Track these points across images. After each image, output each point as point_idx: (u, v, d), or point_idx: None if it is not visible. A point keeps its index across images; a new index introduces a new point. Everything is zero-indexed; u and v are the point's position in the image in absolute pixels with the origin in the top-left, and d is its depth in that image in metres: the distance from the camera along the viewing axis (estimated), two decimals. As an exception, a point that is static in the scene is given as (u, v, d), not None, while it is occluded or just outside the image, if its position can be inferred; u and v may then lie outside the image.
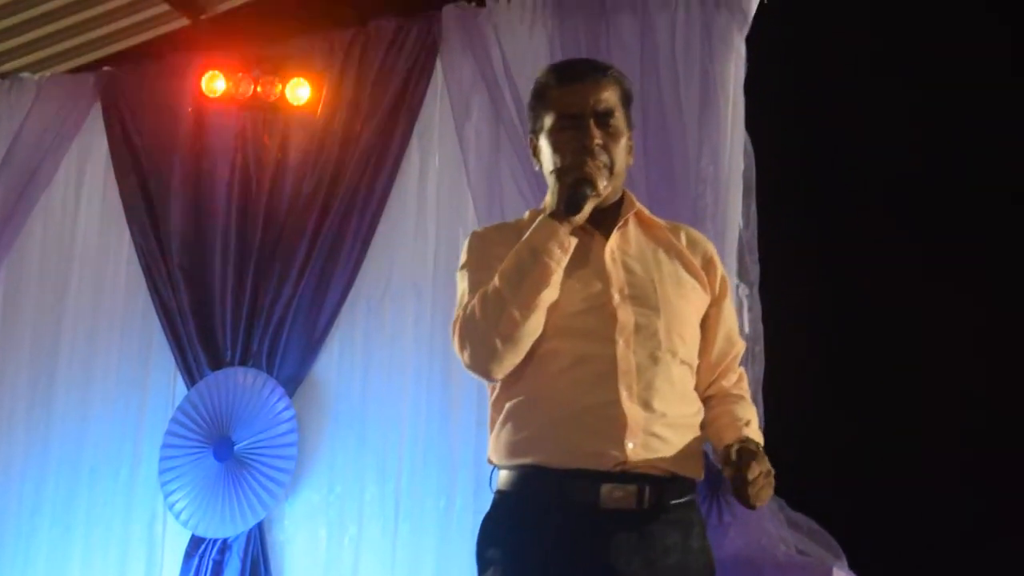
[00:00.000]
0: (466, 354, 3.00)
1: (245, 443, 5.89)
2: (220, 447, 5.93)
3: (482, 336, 2.95)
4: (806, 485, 4.99)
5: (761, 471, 2.78)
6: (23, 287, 6.61)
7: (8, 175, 6.57)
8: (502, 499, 3.04)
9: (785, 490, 4.77)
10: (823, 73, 5.49)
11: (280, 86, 6.15)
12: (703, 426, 3.09)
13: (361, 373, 5.90)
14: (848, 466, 5.13)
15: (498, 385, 3.08)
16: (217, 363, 6.07)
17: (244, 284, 6.09)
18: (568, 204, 2.89)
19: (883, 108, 5.44)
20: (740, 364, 3.31)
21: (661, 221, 3.24)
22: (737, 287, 5.16)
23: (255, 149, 6.27)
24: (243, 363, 6.01)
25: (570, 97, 3.07)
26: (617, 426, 2.89)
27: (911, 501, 5.07)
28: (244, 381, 5.96)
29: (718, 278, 3.18)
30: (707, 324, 3.14)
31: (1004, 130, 5.23)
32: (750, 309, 5.17)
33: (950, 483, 5.09)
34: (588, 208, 2.93)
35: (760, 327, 5.14)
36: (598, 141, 3.01)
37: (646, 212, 3.21)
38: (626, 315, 2.97)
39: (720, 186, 5.22)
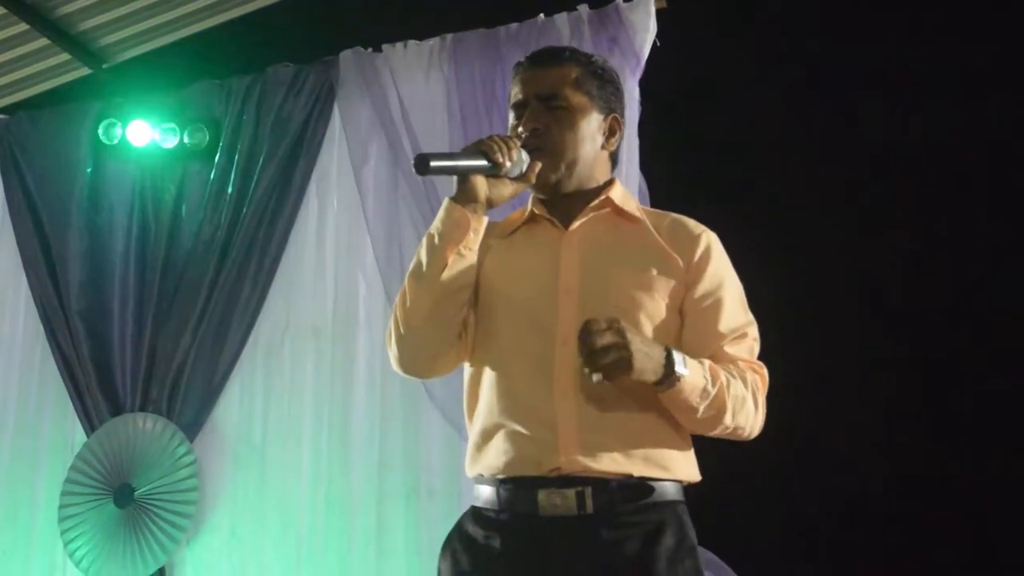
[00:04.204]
0: (390, 352, 2.97)
1: (145, 489, 5.85)
2: (120, 493, 5.89)
3: (397, 329, 2.90)
4: (708, 520, 5.05)
5: (602, 337, 2.56)
6: (-81, 336, 6.53)
7: (-98, 226, 6.51)
8: (465, 513, 2.95)
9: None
10: (717, 112, 5.57)
11: (178, 133, 6.16)
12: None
13: (261, 416, 5.89)
14: (750, 499, 5.17)
15: (465, 390, 3.01)
16: (116, 409, 6.03)
17: (143, 330, 6.07)
18: (418, 162, 2.74)
19: (779, 147, 5.53)
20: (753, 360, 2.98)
21: (642, 212, 3.08)
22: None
23: (153, 196, 6.27)
24: (143, 409, 5.98)
25: (518, 87, 3.03)
26: (550, 429, 2.77)
27: (815, 537, 5.13)
28: (144, 427, 5.93)
29: (696, 260, 2.96)
30: (682, 311, 2.93)
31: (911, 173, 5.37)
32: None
33: (856, 520, 5.16)
34: (493, 186, 2.82)
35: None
36: (533, 126, 2.93)
37: (629, 205, 3.07)
38: (570, 308, 2.85)
39: (615, 227, 5.27)
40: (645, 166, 5.36)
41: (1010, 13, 5.29)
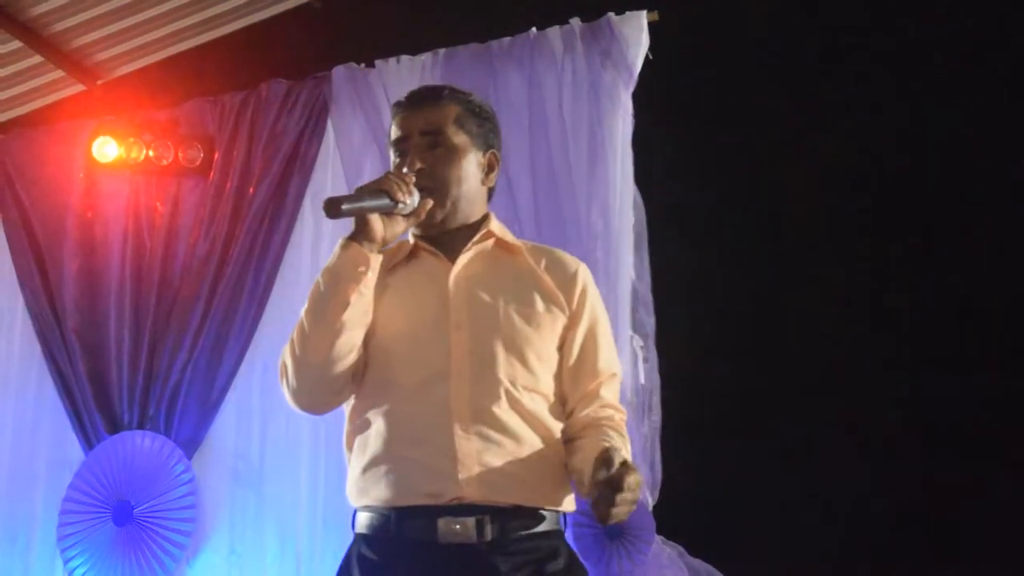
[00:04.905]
0: (284, 388, 3.00)
1: (144, 506, 5.85)
2: (119, 511, 5.88)
3: (295, 366, 2.93)
4: (705, 531, 5.08)
5: (632, 494, 2.61)
6: (-84, 355, 6.53)
7: (-103, 246, 6.51)
8: (355, 543, 2.99)
9: (685, 536, 4.89)
10: (710, 124, 5.59)
11: (172, 150, 6.17)
12: (570, 454, 2.98)
13: (259, 433, 5.90)
14: (747, 511, 5.19)
15: (346, 422, 3.07)
16: (114, 427, 6.03)
17: (140, 348, 6.08)
18: (327, 205, 2.78)
19: (770, 156, 5.54)
20: (628, 402, 3.21)
21: (523, 244, 3.18)
22: (631, 339, 5.23)
23: (147, 213, 6.28)
24: (141, 426, 5.98)
25: (398, 125, 3.11)
26: (449, 459, 2.83)
27: (812, 546, 5.14)
28: (142, 444, 5.93)
29: (576, 298, 3.07)
30: (563, 348, 3.05)
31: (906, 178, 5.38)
32: (646, 360, 5.23)
33: (851, 527, 5.17)
34: (388, 225, 2.86)
35: (656, 377, 5.20)
36: (419, 165, 2.99)
37: (508, 236, 3.15)
38: (461, 342, 2.92)
39: (611, 240, 5.30)
40: (639, 180, 5.38)
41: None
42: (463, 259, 3.05)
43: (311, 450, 5.73)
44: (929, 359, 5.21)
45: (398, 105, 3.17)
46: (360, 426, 3.00)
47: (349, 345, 2.88)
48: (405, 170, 2.98)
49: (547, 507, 2.91)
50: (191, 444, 5.92)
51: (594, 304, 3.12)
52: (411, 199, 2.88)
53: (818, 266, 5.44)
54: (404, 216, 2.90)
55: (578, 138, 5.44)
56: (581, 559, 4.38)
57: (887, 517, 5.13)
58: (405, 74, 5.86)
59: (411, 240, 3.12)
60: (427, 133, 3.04)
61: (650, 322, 5.28)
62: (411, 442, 2.88)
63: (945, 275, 5.22)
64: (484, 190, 3.16)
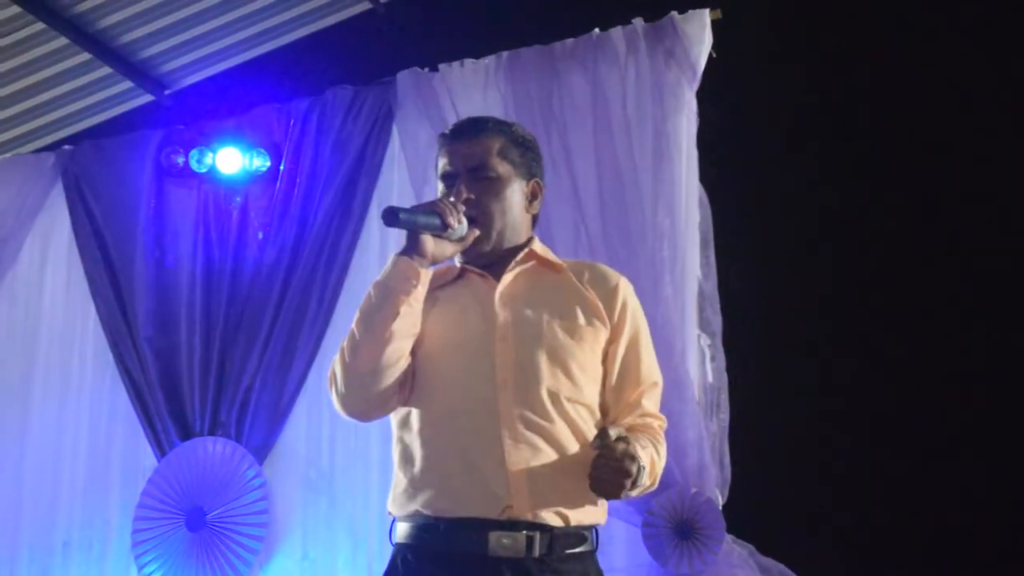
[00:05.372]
0: (333, 395, 3.09)
1: (217, 512, 5.90)
2: (192, 517, 5.94)
3: (344, 373, 3.02)
4: (776, 530, 5.05)
5: (619, 459, 2.78)
6: (-9, 365, 6.61)
7: (-29, 258, 6.62)
8: (398, 552, 3.04)
9: (755, 535, 4.87)
10: (775, 122, 5.57)
11: (240, 157, 6.22)
12: None
13: (329, 438, 5.91)
14: (817, 510, 5.16)
15: (393, 432, 3.14)
16: (186, 433, 6.08)
17: (211, 354, 6.12)
18: (386, 213, 2.91)
19: (836, 155, 5.51)
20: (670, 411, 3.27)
21: (564, 262, 3.26)
22: (699, 337, 5.23)
23: (216, 221, 6.33)
24: (212, 433, 6.03)
25: (446, 159, 3.20)
26: (501, 471, 2.90)
27: (883, 545, 5.10)
28: (214, 450, 5.98)
29: (617, 311, 3.16)
30: (605, 359, 3.13)
31: (959, 179, 5.33)
32: (713, 359, 5.22)
33: (919, 526, 5.13)
34: (437, 245, 2.97)
35: (724, 376, 5.19)
36: (465, 195, 3.08)
37: (550, 256, 3.24)
38: (506, 355, 3.00)
39: (677, 239, 5.29)
40: (704, 178, 5.37)
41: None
42: (507, 278, 3.15)
43: (381, 455, 5.71)
44: (1006, 358, 5.16)
45: (443, 137, 3.27)
46: (406, 435, 3.08)
47: (397, 354, 2.97)
48: (453, 199, 3.06)
49: (586, 524, 3.00)
50: (262, 450, 5.96)
51: (635, 316, 3.22)
52: (460, 226, 3.00)
53: (885, 262, 5.40)
54: (452, 241, 3.01)
55: (643, 138, 5.42)
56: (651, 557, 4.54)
57: (963, 518, 5.07)
58: (469, 77, 5.87)
59: (458, 264, 3.21)
60: (472, 166, 3.14)
61: (717, 321, 5.26)
62: (461, 452, 2.95)
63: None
64: (528, 217, 3.26)
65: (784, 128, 5.56)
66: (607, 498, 2.90)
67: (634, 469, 2.80)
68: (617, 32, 5.61)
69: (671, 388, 5.03)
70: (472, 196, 3.09)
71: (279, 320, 6.00)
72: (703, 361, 5.24)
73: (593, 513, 3.00)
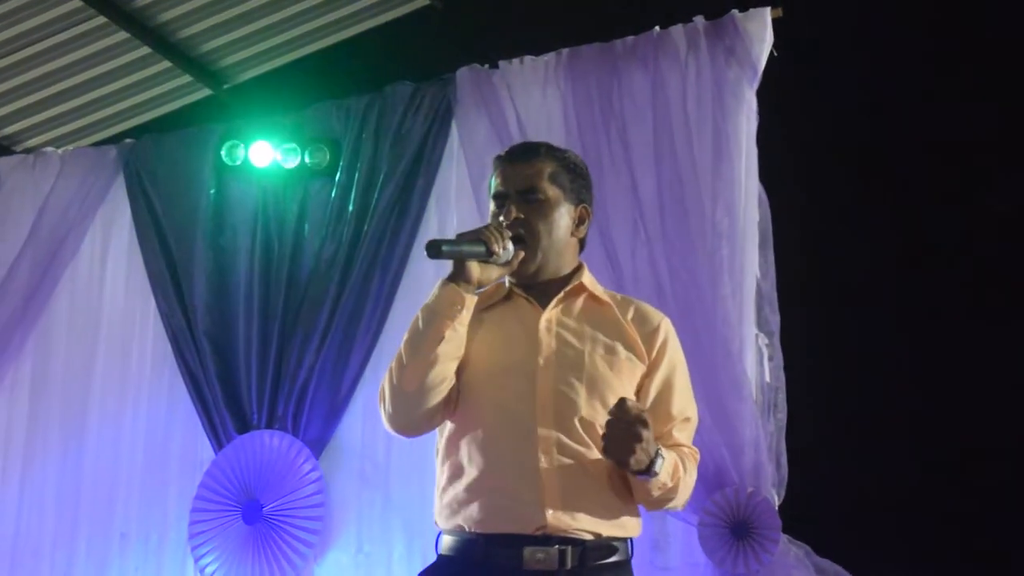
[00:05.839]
0: (382, 412, 3.23)
1: (273, 505, 5.91)
2: (249, 510, 5.96)
3: (392, 393, 3.15)
4: (832, 531, 5.04)
5: (631, 421, 2.89)
6: (51, 357, 6.64)
7: (34, 248, 6.66)
8: (440, 562, 3.17)
9: (812, 536, 4.85)
10: (835, 121, 5.55)
11: (299, 152, 6.24)
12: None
13: (385, 433, 5.82)
14: (874, 511, 5.15)
15: (438, 448, 3.27)
16: (243, 426, 6.11)
17: (268, 348, 6.14)
18: (429, 246, 3.01)
19: (895, 152, 5.49)
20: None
21: (610, 297, 3.35)
22: (756, 337, 5.22)
23: (275, 215, 6.35)
24: (269, 426, 6.04)
25: (499, 179, 3.30)
26: (536, 490, 3.02)
27: (939, 546, 5.08)
28: (271, 444, 6.00)
29: (656, 349, 3.25)
30: (639, 394, 3.21)
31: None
32: (771, 359, 5.22)
33: (975, 526, 5.11)
34: (483, 270, 3.07)
35: (782, 376, 5.18)
36: (515, 215, 3.19)
37: (598, 288, 3.33)
38: (546, 381, 3.11)
39: (736, 238, 5.28)
40: (764, 177, 5.35)
41: None
42: (554, 306, 3.24)
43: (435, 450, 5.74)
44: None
45: (498, 159, 3.37)
46: (451, 452, 3.19)
47: (442, 376, 3.09)
48: (502, 219, 3.20)
49: (619, 536, 3.13)
50: (318, 444, 5.98)
51: (673, 355, 3.30)
52: (505, 251, 3.09)
53: (945, 263, 5.39)
54: (499, 265, 3.11)
55: (702, 136, 5.42)
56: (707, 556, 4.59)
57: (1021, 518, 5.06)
58: (528, 74, 5.87)
59: (507, 285, 3.31)
60: (522, 189, 3.24)
61: (775, 320, 5.25)
62: (499, 472, 3.07)
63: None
64: (574, 241, 3.35)
65: (843, 127, 5.54)
66: (619, 462, 2.96)
67: (645, 434, 2.89)
68: (678, 30, 5.60)
69: (729, 387, 5.06)
70: (521, 216, 3.19)
71: (337, 315, 6.00)
72: (761, 360, 5.24)
73: (625, 527, 3.14)
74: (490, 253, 3.04)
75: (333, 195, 6.19)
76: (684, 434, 3.26)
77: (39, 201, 6.77)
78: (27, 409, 6.61)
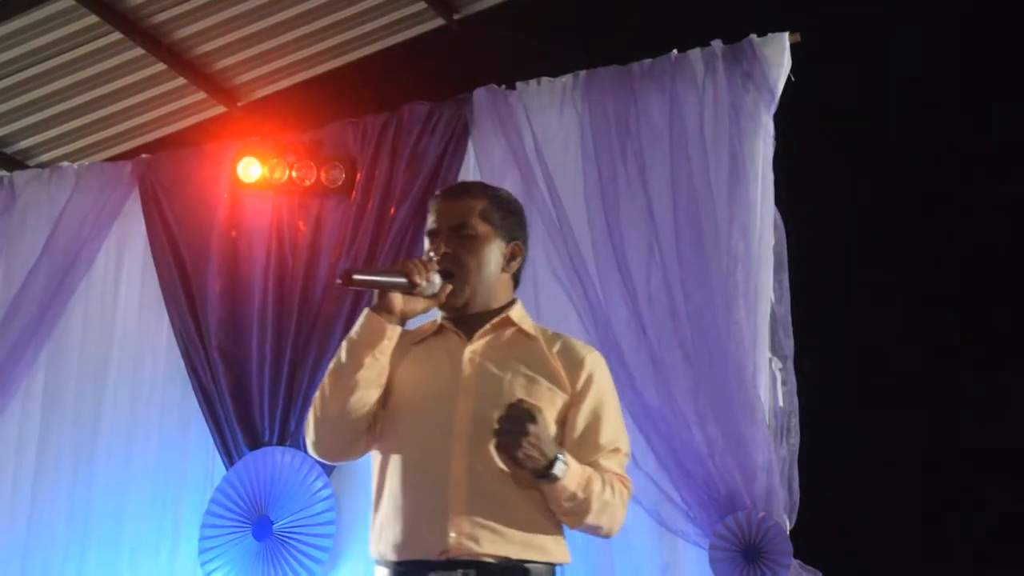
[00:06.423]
0: (308, 437, 3.34)
1: (284, 522, 5.90)
2: (259, 526, 5.95)
3: (314, 421, 3.27)
4: (843, 557, 5.04)
5: (518, 414, 2.97)
6: (64, 371, 6.63)
7: (49, 262, 6.66)
8: None
9: (823, 561, 4.85)
10: (851, 144, 5.57)
11: (315, 170, 6.25)
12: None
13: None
14: (886, 536, 5.15)
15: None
16: (255, 443, 6.09)
17: (281, 365, 6.14)
18: (343, 275, 3.10)
19: (912, 177, 5.51)
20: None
21: (540, 332, 3.40)
22: (770, 361, 5.23)
23: (290, 233, 6.35)
24: (281, 443, 6.04)
25: (432, 216, 3.39)
26: (442, 515, 3.08)
27: (952, 571, 5.08)
28: (282, 460, 5.99)
29: (582, 382, 3.28)
30: (565, 423, 3.25)
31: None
32: (784, 383, 5.23)
33: (992, 553, 5.11)
34: (407, 302, 3.15)
35: (795, 400, 5.19)
36: (443, 250, 3.27)
37: (527, 323, 3.39)
38: (465, 409, 3.18)
39: (751, 262, 5.29)
40: (780, 201, 5.37)
41: None
42: (478, 337, 3.32)
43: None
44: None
45: (434, 198, 3.46)
46: (377, 480, 3.32)
47: (362, 402, 3.19)
48: (432, 255, 3.29)
49: (535, 560, 3.14)
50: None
51: (601, 388, 3.33)
52: (430, 283, 3.17)
53: (958, 286, 5.40)
54: (425, 297, 3.19)
55: (719, 159, 5.43)
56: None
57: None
58: (546, 96, 5.88)
59: (439, 320, 3.41)
60: (453, 224, 3.32)
61: (789, 344, 5.26)
62: (410, 499, 3.17)
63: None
64: (506, 277, 3.42)
65: (860, 152, 5.55)
66: (510, 457, 3.00)
67: (532, 428, 2.95)
68: (696, 53, 5.63)
69: (742, 411, 5.06)
70: (449, 251, 3.27)
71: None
72: (774, 385, 5.24)
73: (545, 550, 3.15)
74: (412, 285, 3.12)
75: (349, 213, 6.20)
76: (613, 463, 3.28)
77: (54, 215, 6.77)
78: (39, 422, 6.58)
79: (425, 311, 3.25)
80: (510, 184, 5.75)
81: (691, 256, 5.35)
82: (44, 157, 7.67)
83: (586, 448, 3.22)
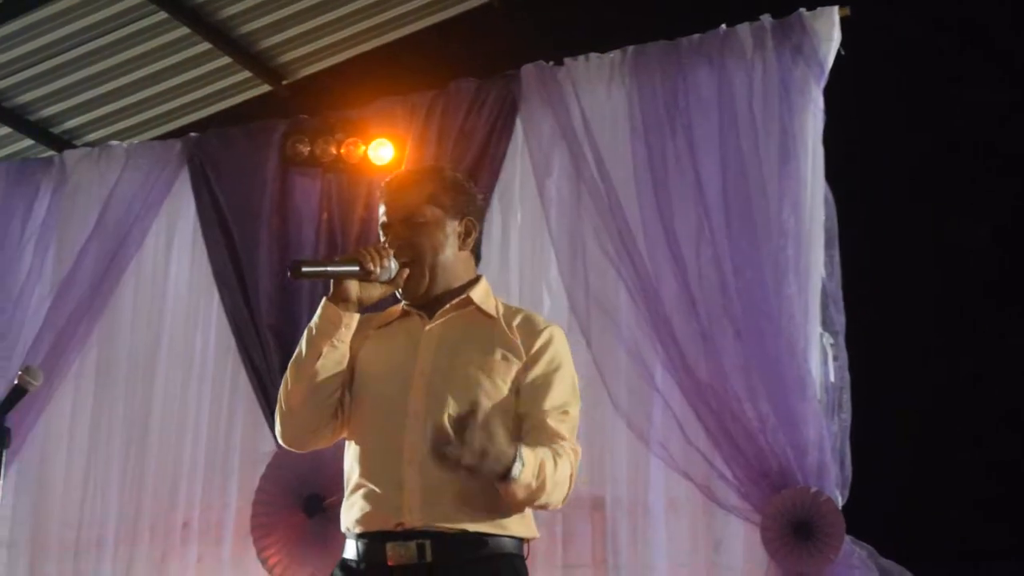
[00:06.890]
0: (276, 430, 3.42)
1: (334, 498, 5.93)
2: (310, 503, 5.99)
3: (279, 411, 3.35)
4: (896, 532, 5.02)
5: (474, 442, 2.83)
6: (116, 349, 6.69)
7: (99, 241, 6.71)
8: (336, 565, 3.30)
9: (875, 536, 4.84)
10: (902, 119, 5.54)
11: (363, 148, 6.27)
12: None
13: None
14: (939, 511, 5.13)
15: None
16: (305, 420, 6.10)
17: (332, 343, 6.14)
18: (292, 267, 3.20)
19: (962, 150, 5.48)
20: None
21: (503, 307, 3.41)
22: (821, 336, 5.22)
23: (339, 210, 6.38)
24: (332, 419, 6.05)
25: (383, 209, 3.42)
26: (397, 490, 3.13)
27: (1004, 545, 5.06)
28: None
29: (536, 348, 3.29)
30: (518, 389, 3.26)
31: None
32: (835, 358, 5.22)
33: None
34: (364, 289, 3.21)
35: (846, 375, 5.18)
36: (399, 242, 3.30)
37: (489, 301, 3.39)
38: (419, 387, 3.22)
39: (802, 238, 5.29)
40: (830, 176, 5.35)
41: None
42: (437, 318, 3.35)
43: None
44: None
45: (381, 191, 3.48)
46: (347, 462, 3.36)
47: (325, 391, 3.27)
48: (386, 244, 3.32)
49: (493, 532, 3.17)
50: (378, 437, 5.98)
51: (556, 355, 3.34)
52: (385, 269, 3.21)
53: (1010, 258, 5.37)
54: (382, 283, 3.25)
55: (768, 135, 5.42)
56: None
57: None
58: (594, 72, 5.88)
59: (403, 306, 3.45)
60: (403, 216, 3.35)
61: (840, 320, 5.25)
62: (369, 474, 3.22)
63: None
64: (464, 254, 3.44)
65: (910, 126, 5.52)
66: (438, 453, 2.89)
67: (489, 449, 2.84)
68: (744, 28, 5.62)
69: (793, 386, 5.06)
70: (402, 241, 3.30)
71: (397, 308, 6.02)
72: (825, 360, 5.23)
73: (504, 524, 3.18)
74: (366, 272, 3.17)
75: (397, 190, 6.18)
76: (564, 426, 3.26)
77: (104, 193, 6.82)
78: (92, 399, 6.65)
79: (384, 296, 3.31)
80: (558, 160, 5.80)
81: (741, 232, 5.35)
82: (89, 137, 7.69)
83: (535, 407, 3.24)
